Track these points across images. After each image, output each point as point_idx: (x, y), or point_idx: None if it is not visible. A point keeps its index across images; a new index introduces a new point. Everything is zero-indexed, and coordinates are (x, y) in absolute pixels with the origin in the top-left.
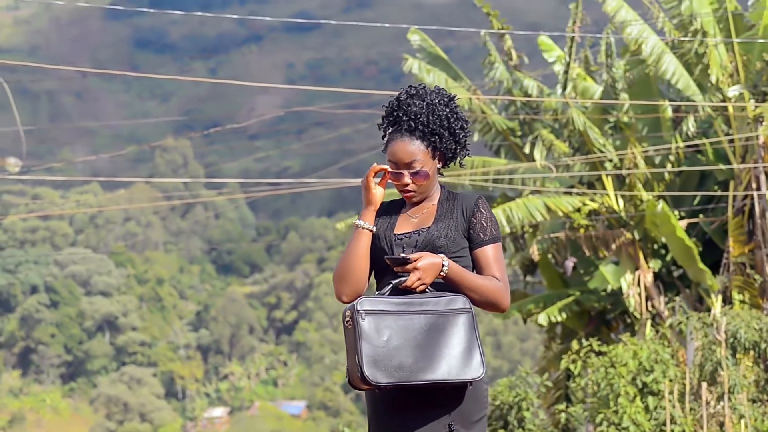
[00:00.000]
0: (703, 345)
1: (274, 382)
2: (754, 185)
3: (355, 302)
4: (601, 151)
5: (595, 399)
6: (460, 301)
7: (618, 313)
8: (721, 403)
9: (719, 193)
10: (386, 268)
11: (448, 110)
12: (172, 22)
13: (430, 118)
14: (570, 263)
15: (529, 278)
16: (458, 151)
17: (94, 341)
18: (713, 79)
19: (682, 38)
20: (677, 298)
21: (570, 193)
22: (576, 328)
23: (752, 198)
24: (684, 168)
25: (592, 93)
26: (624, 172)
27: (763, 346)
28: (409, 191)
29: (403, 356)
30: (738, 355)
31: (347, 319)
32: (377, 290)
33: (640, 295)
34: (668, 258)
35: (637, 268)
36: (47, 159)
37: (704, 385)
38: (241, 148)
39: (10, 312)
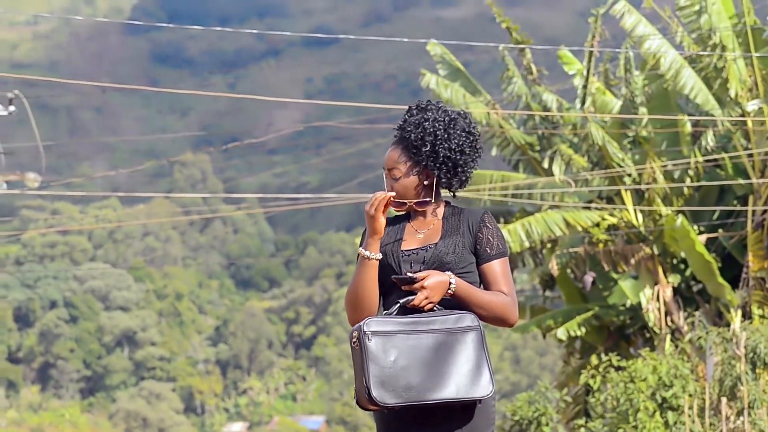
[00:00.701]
0: (723, 360)
1: (293, 396)
2: None
3: (361, 323)
4: (620, 166)
5: (614, 414)
6: (468, 319)
7: (637, 327)
8: (741, 418)
9: (738, 207)
10: (393, 285)
11: (442, 129)
12: (191, 36)
13: (418, 131)
14: (589, 278)
15: (548, 293)
16: (444, 172)
17: (113, 356)
18: (732, 93)
19: (701, 53)
20: (696, 313)
21: (589, 208)
22: (595, 342)
23: None
24: (703, 183)
25: (611, 107)
26: (643, 186)
27: None
28: (392, 198)
29: (411, 376)
30: (758, 370)
31: (354, 339)
32: (384, 308)
33: (659, 309)
34: (687, 273)
35: (656, 283)
36: (66, 174)
37: (724, 400)
38: (260, 163)
39: (30, 327)
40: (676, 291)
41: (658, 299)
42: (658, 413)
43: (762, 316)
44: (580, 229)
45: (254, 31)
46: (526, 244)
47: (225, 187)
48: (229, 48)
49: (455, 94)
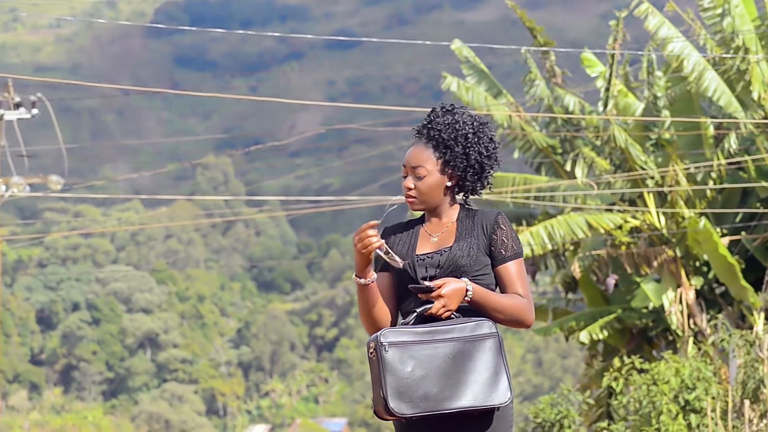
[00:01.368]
0: (746, 362)
1: (315, 399)
2: None
3: (378, 334)
4: (643, 168)
5: (637, 417)
6: (486, 326)
7: (660, 330)
8: (764, 420)
9: (761, 210)
10: (409, 291)
11: (472, 132)
12: (213, 39)
13: (449, 131)
14: (611, 280)
15: (570, 295)
16: (470, 174)
17: (135, 358)
18: (755, 95)
19: (724, 55)
20: (719, 316)
21: (611, 211)
22: (618, 345)
23: None
24: (726, 185)
25: (634, 110)
26: (666, 189)
27: None
28: (410, 196)
29: (428, 386)
30: None
31: (371, 350)
32: (401, 313)
33: (682, 312)
34: (710, 275)
35: (679, 286)
36: (89, 177)
37: (747, 402)
38: (282, 166)
39: (52, 329)
40: (698, 293)
41: (680, 302)
42: (680, 416)
43: None
44: (602, 231)
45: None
46: (549, 247)
47: (247, 190)
48: (252, 51)
49: (476, 97)
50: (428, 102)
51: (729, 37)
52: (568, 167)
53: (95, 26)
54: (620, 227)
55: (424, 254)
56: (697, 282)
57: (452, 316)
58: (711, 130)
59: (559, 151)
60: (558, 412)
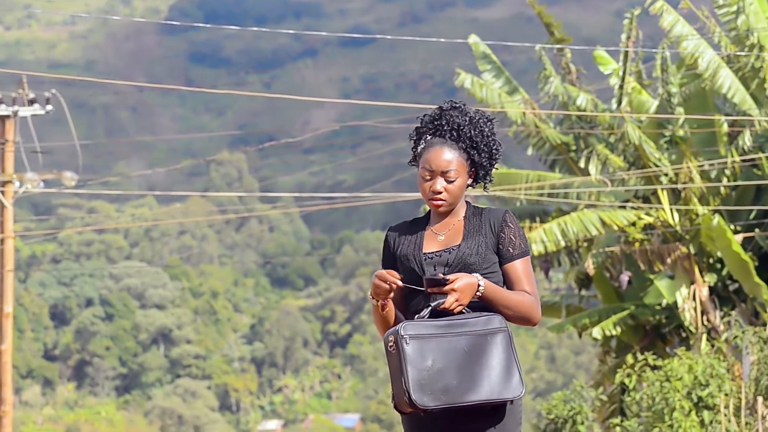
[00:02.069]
0: (759, 359)
1: (328, 395)
2: None
3: (398, 327)
4: (657, 165)
5: (650, 413)
6: (497, 321)
7: (673, 327)
8: None
9: None
10: (417, 290)
11: (487, 129)
12: (228, 36)
13: (473, 131)
14: (625, 277)
15: (584, 292)
16: (489, 171)
17: (148, 354)
18: None
19: (739, 53)
20: (733, 313)
21: (625, 207)
22: (631, 342)
23: None
24: (740, 182)
25: (648, 107)
26: (679, 186)
27: None
28: (440, 199)
29: (448, 379)
30: None
31: (390, 343)
32: (407, 310)
33: (695, 309)
34: (724, 272)
35: (692, 282)
36: (103, 173)
37: (760, 399)
38: (296, 162)
39: (66, 325)
40: (712, 290)
41: (694, 298)
42: (693, 412)
43: None
44: (616, 228)
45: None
46: (562, 244)
47: (261, 186)
48: (266, 48)
49: (490, 93)
50: (442, 99)
51: (743, 35)
52: (581, 164)
53: (110, 23)
54: (634, 224)
55: (432, 253)
56: (711, 279)
57: (463, 311)
58: (725, 128)
59: (573, 148)
60: (571, 409)
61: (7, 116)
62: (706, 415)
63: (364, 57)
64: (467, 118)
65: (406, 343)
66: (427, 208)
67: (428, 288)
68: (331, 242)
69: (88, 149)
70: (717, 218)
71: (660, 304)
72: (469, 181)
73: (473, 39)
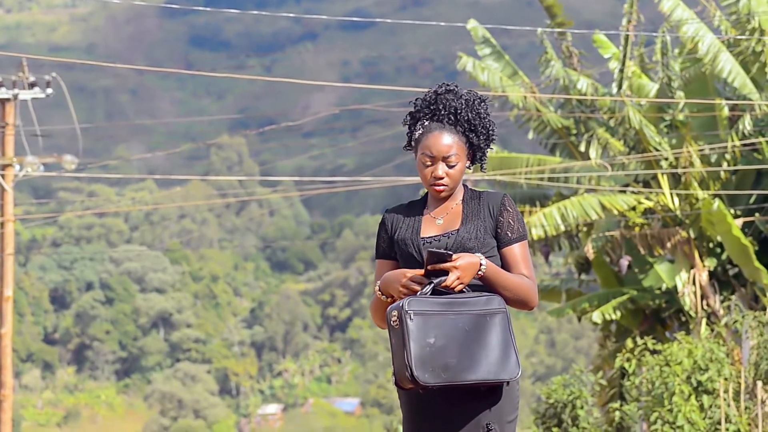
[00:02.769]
0: (759, 344)
1: (327, 379)
2: None
3: (402, 302)
4: (657, 150)
5: (649, 397)
6: (496, 301)
7: (673, 311)
8: None
9: None
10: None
11: (482, 110)
12: (228, 19)
13: (470, 114)
14: (625, 261)
15: (583, 276)
16: (486, 152)
17: (148, 338)
18: None
19: (739, 36)
20: (732, 297)
21: (625, 192)
22: (630, 326)
23: None
24: (740, 167)
25: (648, 91)
26: (679, 170)
27: None
28: (443, 185)
29: (448, 356)
30: None
31: (394, 319)
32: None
33: (695, 293)
34: (724, 256)
35: (692, 267)
36: (103, 156)
37: (759, 383)
38: (296, 146)
39: (66, 308)
40: (712, 275)
41: (694, 283)
42: (693, 397)
43: None
44: (616, 212)
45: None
46: (562, 228)
47: (261, 170)
48: (266, 31)
49: (492, 77)
50: (442, 83)
51: (744, 19)
52: (582, 148)
53: (110, 6)
54: (634, 208)
55: (430, 237)
56: (711, 263)
57: (464, 290)
58: (725, 112)
59: (574, 132)
60: (570, 393)
61: (8, 99)
62: (706, 399)
63: (365, 40)
64: (463, 101)
65: (410, 319)
66: (424, 191)
67: (429, 262)
68: (331, 226)
69: (89, 132)
70: (717, 203)
71: (660, 289)
72: (467, 164)
73: (472, 24)
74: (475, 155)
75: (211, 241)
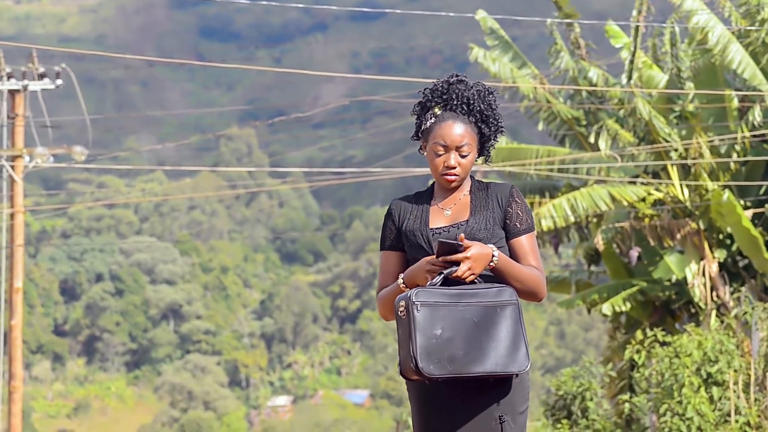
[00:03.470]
0: None
1: (337, 370)
2: None
3: (409, 292)
4: (667, 141)
5: (659, 389)
6: (507, 293)
7: (683, 303)
8: None
9: None
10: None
11: (492, 101)
12: (238, 10)
13: (482, 105)
14: (634, 253)
15: (593, 268)
16: (493, 145)
17: (158, 329)
18: None
19: (749, 27)
20: (742, 289)
21: (635, 183)
22: (640, 318)
23: None
24: (750, 158)
25: (657, 82)
26: (689, 161)
27: None
28: (454, 175)
29: (455, 348)
30: None
31: (401, 309)
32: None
33: (705, 285)
34: (734, 248)
35: (702, 258)
36: (113, 148)
37: None
38: (306, 137)
39: (76, 300)
40: (721, 266)
41: (703, 274)
42: (702, 388)
43: None
44: (625, 204)
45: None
46: (572, 219)
47: (271, 161)
48: (276, 22)
49: (503, 68)
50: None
51: (754, 10)
52: (591, 139)
53: None
54: (643, 200)
55: (439, 228)
56: (720, 255)
57: (475, 281)
58: (735, 103)
59: (583, 123)
60: (580, 385)
61: (17, 90)
62: (715, 391)
63: (374, 31)
64: (475, 92)
65: (417, 310)
66: (432, 182)
67: (440, 252)
68: (340, 217)
69: (98, 124)
70: (727, 194)
71: (669, 280)
72: (476, 155)
73: (481, 14)
74: (483, 147)
75: (221, 232)
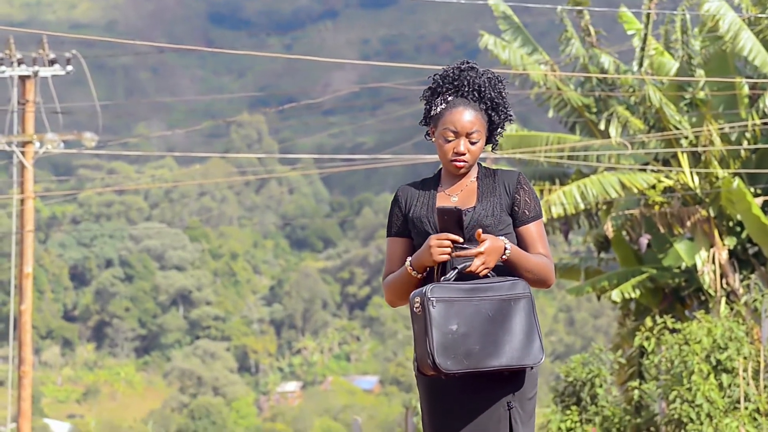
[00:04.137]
0: None
1: (346, 357)
2: None
3: (424, 289)
4: (677, 128)
5: (668, 376)
6: (521, 286)
7: (692, 290)
8: None
9: None
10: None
11: (502, 89)
12: None
13: (493, 92)
14: (644, 240)
15: (603, 255)
16: (501, 133)
17: (168, 315)
18: None
19: (760, 15)
20: (752, 276)
21: (645, 170)
22: (650, 305)
23: None
24: (760, 145)
25: (668, 69)
26: (699, 149)
27: None
28: (463, 161)
29: (471, 343)
30: None
31: (417, 305)
32: (437, 275)
33: (714, 272)
34: (743, 235)
35: (711, 246)
36: (123, 134)
37: None
38: (316, 124)
39: (86, 285)
40: (731, 253)
41: (713, 262)
42: (712, 375)
43: None
44: (635, 191)
45: None
46: (582, 206)
47: (281, 148)
48: (287, 9)
49: (513, 54)
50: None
51: None
52: (602, 126)
53: None
54: (653, 187)
55: None
56: (730, 242)
57: (488, 274)
58: (746, 90)
59: (594, 110)
60: (589, 371)
61: (28, 76)
62: (725, 378)
63: (385, 18)
64: (486, 79)
65: (433, 306)
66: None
67: (441, 222)
68: (350, 204)
69: (108, 110)
70: (737, 181)
71: (679, 267)
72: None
73: (493, 0)
74: (492, 134)
75: (231, 218)
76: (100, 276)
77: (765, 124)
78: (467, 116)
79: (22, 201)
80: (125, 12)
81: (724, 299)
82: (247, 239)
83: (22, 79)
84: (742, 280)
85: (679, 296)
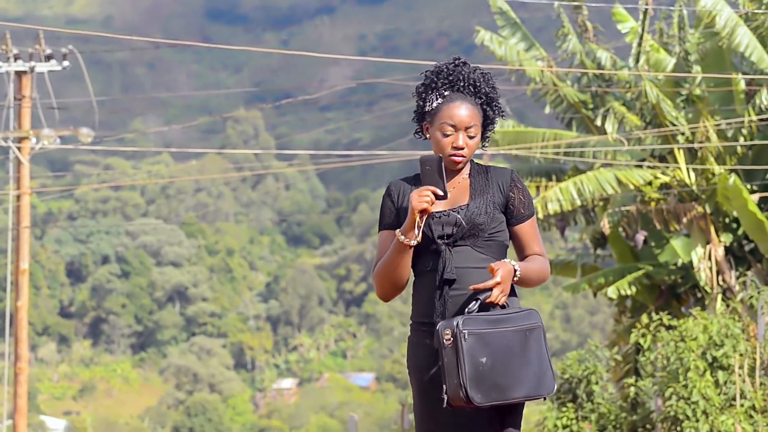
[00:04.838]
0: None
1: (343, 353)
2: None
3: (454, 321)
4: (674, 124)
5: (664, 373)
6: (534, 316)
7: (688, 287)
8: None
9: None
10: (425, 248)
11: (494, 84)
12: None
13: (487, 87)
14: (641, 236)
15: (599, 251)
16: (493, 129)
17: (164, 312)
18: None
19: (756, 10)
20: (748, 273)
21: (641, 167)
22: (646, 301)
23: None
24: (757, 141)
25: (665, 65)
26: (696, 145)
27: None
28: (462, 155)
29: (497, 376)
30: None
31: (447, 337)
32: (417, 270)
33: (711, 269)
34: (740, 232)
35: (708, 242)
36: (119, 129)
37: None
38: (312, 120)
39: (82, 282)
40: (728, 250)
41: (709, 258)
42: (708, 372)
43: None
44: (632, 187)
45: None
46: (578, 203)
47: (277, 144)
48: (283, 5)
49: (509, 50)
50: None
51: None
52: (598, 123)
53: None
54: (650, 183)
55: (440, 212)
56: (727, 238)
57: (505, 304)
58: (742, 86)
59: (590, 106)
60: (586, 368)
61: (24, 72)
62: (721, 375)
63: (381, 14)
64: (480, 74)
65: (464, 339)
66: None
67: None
68: (347, 200)
69: (105, 106)
70: (733, 177)
71: (675, 264)
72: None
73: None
74: (485, 130)
75: (227, 214)
76: (96, 272)
77: (761, 120)
78: (465, 110)
79: (18, 197)
80: (122, 7)
81: (720, 296)
82: (243, 235)
83: (19, 74)
84: (738, 277)
85: (676, 293)
